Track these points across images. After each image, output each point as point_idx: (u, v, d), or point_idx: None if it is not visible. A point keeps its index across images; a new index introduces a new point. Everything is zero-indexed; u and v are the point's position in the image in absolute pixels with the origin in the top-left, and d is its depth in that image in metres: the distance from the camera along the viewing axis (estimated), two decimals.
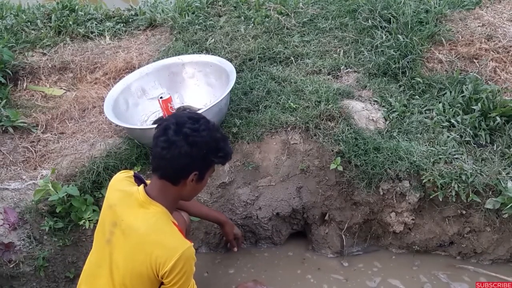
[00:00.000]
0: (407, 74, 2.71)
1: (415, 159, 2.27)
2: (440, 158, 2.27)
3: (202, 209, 2.27)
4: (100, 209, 2.37)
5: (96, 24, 3.41)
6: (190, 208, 2.19)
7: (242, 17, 3.29)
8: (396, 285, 2.31)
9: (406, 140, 2.39)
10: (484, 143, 2.35)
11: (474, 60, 2.74)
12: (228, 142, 1.76)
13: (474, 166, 2.24)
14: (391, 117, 2.51)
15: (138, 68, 2.79)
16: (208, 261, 2.49)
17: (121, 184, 1.76)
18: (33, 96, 2.95)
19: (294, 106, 2.51)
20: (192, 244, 1.66)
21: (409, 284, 2.31)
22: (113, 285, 1.67)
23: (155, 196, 1.68)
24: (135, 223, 1.65)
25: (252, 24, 3.21)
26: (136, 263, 1.63)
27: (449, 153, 2.29)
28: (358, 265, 2.44)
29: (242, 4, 3.42)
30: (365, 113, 2.53)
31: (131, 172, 1.83)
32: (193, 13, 3.37)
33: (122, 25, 3.44)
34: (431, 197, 2.27)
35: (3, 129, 2.65)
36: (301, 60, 2.90)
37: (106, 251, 1.70)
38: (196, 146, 1.61)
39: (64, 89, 2.99)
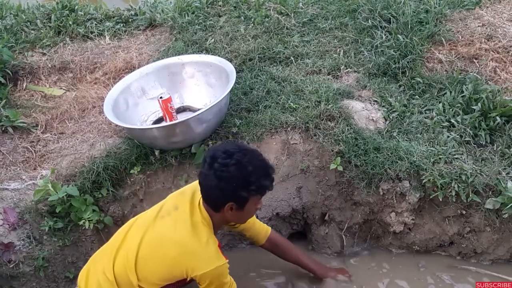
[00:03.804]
0: (407, 74, 2.71)
1: (415, 159, 2.27)
2: (440, 158, 2.27)
3: (301, 258, 2.29)
4: (99, 209, 2.38)
5: (96, 24, 3.40)
6: (286, 255, 2.27)
7: (242, 17, 3.29)
8: (399, 285, 2.31)
9: (406, 140, 2.39)
10: (484, 143, 2.35)
11: (474, 60, 2.74)
12: (266, 173, 1.78)
13: (474, 166, 2.24)
14: (391, 117, 2.51)
15: (138, 68, 2.79)
16: None
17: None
18: (33, 96, 2.95)
19: (294, 106, 2.51)
20: (227, 261, 1.80)
21: (412, 285, 2.30)
22: (136, 256, 1.80)
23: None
24: (185, 225, 1.79)
25: (252, 24, 3.21)
26: (167, 257, 1.78)
27: (449, 153, 2.28)
28: (358, 265, 2.43)
29: (242, 4, 3.41)
30: (365, 113, 2.53)
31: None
32: (193, 13, 3.36)
33: (122, 25, 3.44)
34: (431, 197, 2.27)
35: (3, 129, 2.65)
36: (301, 60, 2.89)
37: (150, 225, 1.83)
38: (223, 180, 1.70)
39: (64, 89, 2.99)
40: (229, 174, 1.69)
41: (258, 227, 2.19)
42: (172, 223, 1.81)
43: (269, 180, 1.79)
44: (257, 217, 2.47)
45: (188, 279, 1.82)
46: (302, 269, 2.30)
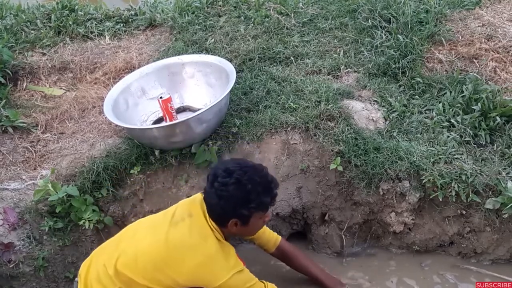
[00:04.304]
0: (407, 74, 2.71)
1: (415, 159, 2.27)
2: (440, 158, 2.27)
3: (310, 268, 2.27)
4: (99, 209, 2.38)
5: (96, 24, 3.40)
6: (295, 264, 2.27)
7: (242, 17, 3.29)
8: (403, 285, 2.31)
9: (406, 140, 2.39)
10: (484, 143, 2.35)
11: (474, 60, 2.74)
12: (267, 190, 1.78)
13: (474, 166, 2.24)
14: (391, 117, 2.51)
15: (138, 68, 2.79)
16: None
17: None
18: (32, 96, 2.95)
19: (294, 106, 2.51)
20: (244, 266, 1.82)
21: (419, 284, 2.31)
22: (154, 252, 1.79)
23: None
24: (201, 233, 1.80)
25: (252, 24, 3.21)
26: (185, 264, 1.76)
27: (449, 153, 2.28)
28: (358, 265, 2.43)
29: (242, 4, 3.41)
30: (365, 113, 2.53)
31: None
32: (193, 13, 3.36)
33: (122, 25, 3.44)
34: (431, 197, 2.27)
35: (3, 129, 2.65)
36: (301, 60, 2.89)
37: (164, 228, 1.81)
38: (223, 199, 1.72)
39: (64, 89, 2.99)
40: (228, 193, 1.70)
41: (268, 235, 2.19)
42: (188, 230, 1.80)
43: (269, 196, 1.79)
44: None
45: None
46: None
